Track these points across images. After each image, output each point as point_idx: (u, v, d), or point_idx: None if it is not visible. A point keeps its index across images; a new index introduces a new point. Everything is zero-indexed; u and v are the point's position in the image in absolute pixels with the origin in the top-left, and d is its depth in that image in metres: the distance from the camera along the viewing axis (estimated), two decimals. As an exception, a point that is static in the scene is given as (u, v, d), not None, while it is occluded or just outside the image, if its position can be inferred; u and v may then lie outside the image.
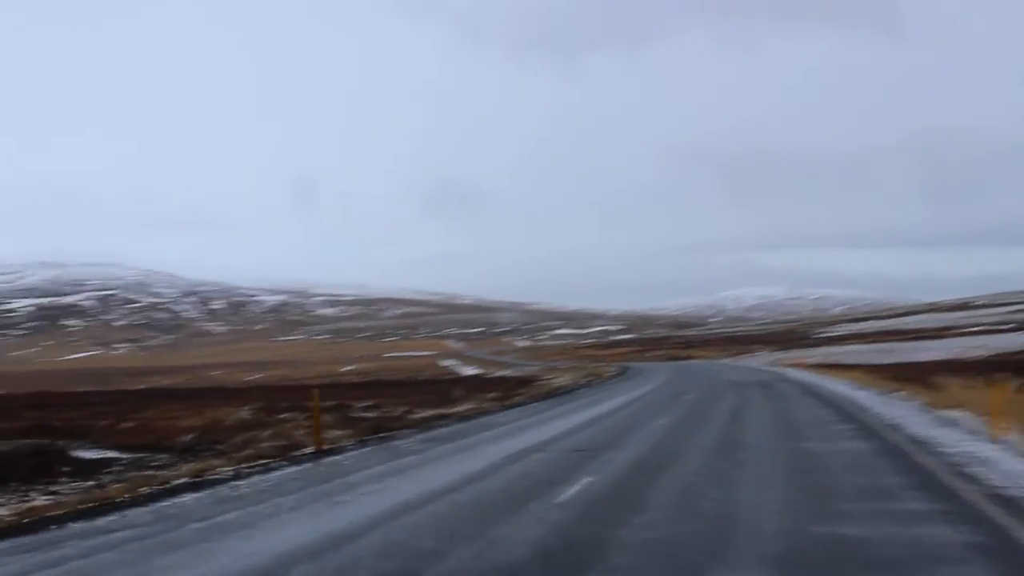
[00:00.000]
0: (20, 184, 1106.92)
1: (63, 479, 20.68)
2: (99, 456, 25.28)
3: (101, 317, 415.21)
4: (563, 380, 71.16)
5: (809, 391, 49.90)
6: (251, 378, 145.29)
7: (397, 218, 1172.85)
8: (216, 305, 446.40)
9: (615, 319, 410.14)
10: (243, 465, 22.09)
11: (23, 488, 19.52)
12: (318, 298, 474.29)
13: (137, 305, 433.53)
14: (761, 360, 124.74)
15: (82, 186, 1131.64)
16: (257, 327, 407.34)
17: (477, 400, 46.12)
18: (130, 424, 32.75)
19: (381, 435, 28.85)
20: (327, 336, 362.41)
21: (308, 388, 77.45)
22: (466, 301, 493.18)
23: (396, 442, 27.12)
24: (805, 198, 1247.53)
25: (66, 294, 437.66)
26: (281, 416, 34.38)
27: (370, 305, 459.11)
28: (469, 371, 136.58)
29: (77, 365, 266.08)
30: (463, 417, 35.62)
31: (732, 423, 30.69)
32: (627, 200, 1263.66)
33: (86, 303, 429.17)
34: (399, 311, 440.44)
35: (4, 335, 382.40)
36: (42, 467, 21.94)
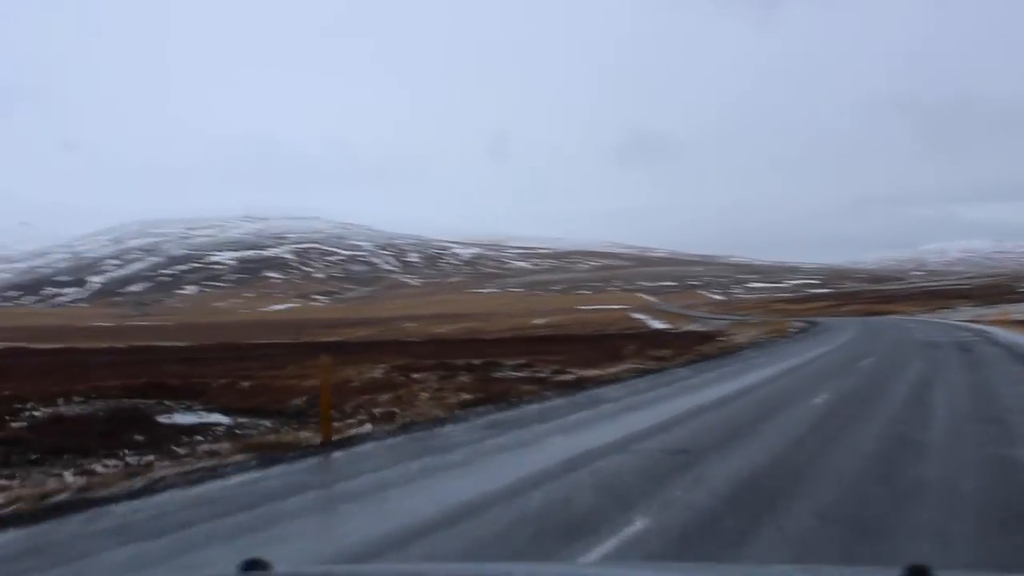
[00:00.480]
0: (226, 140, 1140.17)
1: (127, 451, 18.19)
2: (193, 422, 22.83)
3: (301, 269, 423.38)
4: (742, 337, 67.00)
5: (1019, 356, 41.11)
6: (441, 330, 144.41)
7: (592, 171, 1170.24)
8: (412, 257, 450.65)
9: (811, 272, 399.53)
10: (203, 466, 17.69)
11: (76, 460, 17.14)
12: (513, 250, 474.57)
13: (335, 258, 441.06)
14: (962, 316, 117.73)
15: (285, 142, 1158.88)
16: (452, 279, 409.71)
17: (641, 358, 42.49)
18: (249, 383, 30.33)
19: (422, 426, 21.88)
20: (521, 289, 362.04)
21: (492, 342, 75.47)
22: (660, 254, 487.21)
23: (448, 427, 21.24)
24: (1011, 148, 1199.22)
25: (268, 247, 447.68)
26: (417, 375, 31.62)
27: (564, 258, 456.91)
28: (657, 325, 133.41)
29: (276, 317, 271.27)
30: (594, 382, 30.93)
31: (912, 405, 23.00)
32: (824, 151, 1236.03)
33: (287, 256, 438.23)
34: (593, 264, 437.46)
35: (210, 286, 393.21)
36: (114, 435, 19.58)
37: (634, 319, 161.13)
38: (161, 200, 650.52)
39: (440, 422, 22.47)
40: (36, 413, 23.57)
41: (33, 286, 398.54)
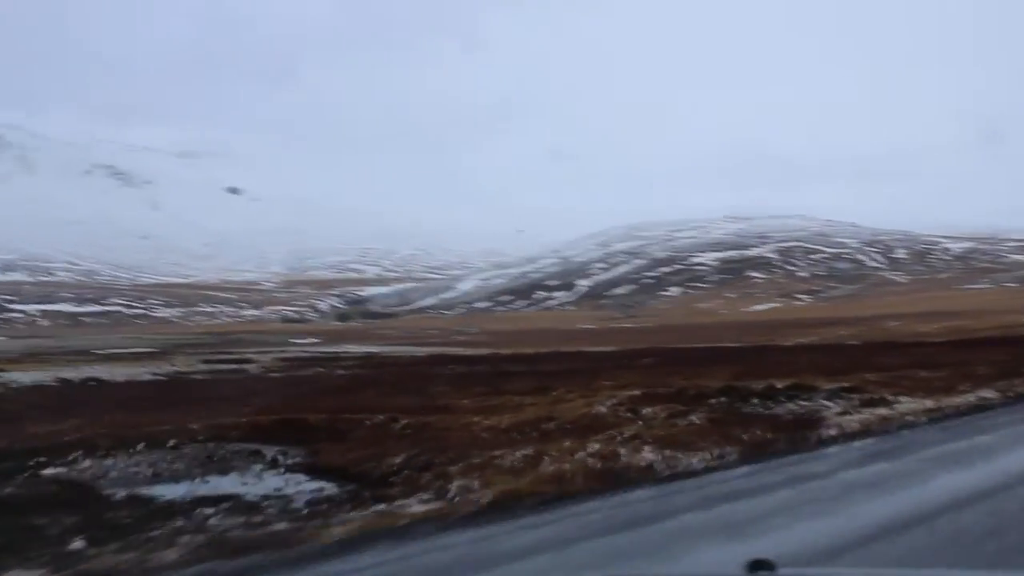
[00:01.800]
0: (709, 142, 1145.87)
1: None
2: (218, 492, 15.87)
3: (784, 268, 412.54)
4: None
5: None
6: (926, 329, 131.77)
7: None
8: (899, 254, 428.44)
9: None
10: None
11: None
12: (1010, 244, 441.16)
13: (819, 256, 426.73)
14: None
15: (767, 141, 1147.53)
16: (942, 275, 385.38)
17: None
18: (409, 420, 22.64)
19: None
20: (1017, 284, 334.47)
21: (900, 346, 63.77)
22: None
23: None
24: None
25: (750, 247, 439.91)
26: (648, 410, 22.95)
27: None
28: None
29: (755, 317, 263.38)
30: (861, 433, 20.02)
31: None
32: None
33: (770, 255, 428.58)
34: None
35: (692, 287, 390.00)
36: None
37: None
38: (646, 204, 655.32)
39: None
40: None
41: (525, 290, 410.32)
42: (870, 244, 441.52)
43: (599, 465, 16.17)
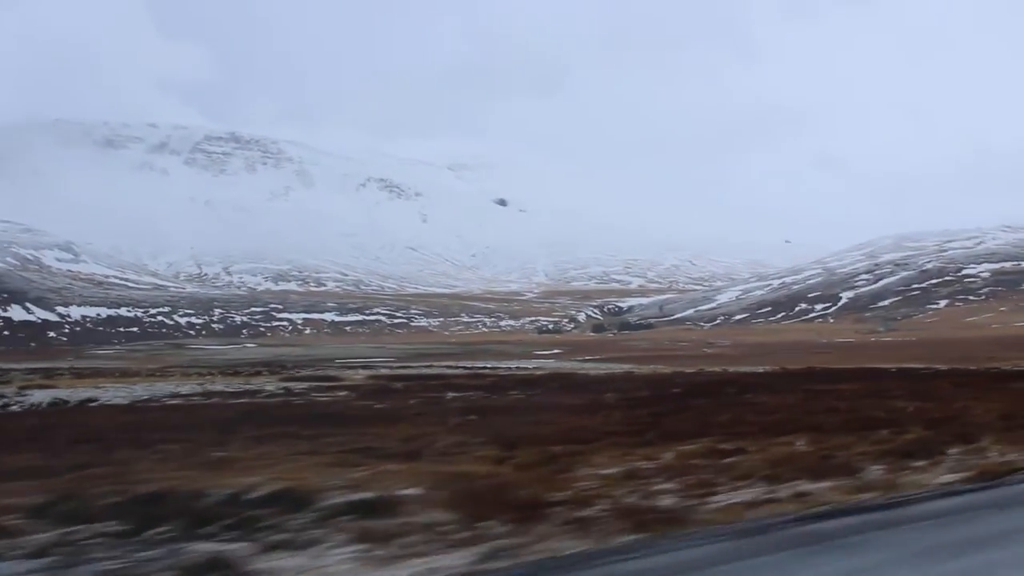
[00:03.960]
0: (989, 145, 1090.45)
1: None
2: None
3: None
4: None
5: None
6: None
7: None
8: None
9: None
10: None
11: None
12: None
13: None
14: None
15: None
16: None
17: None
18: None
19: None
20: None
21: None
22: None
23: None
24: None
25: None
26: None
27: None
28: None
29: (1020, 332, 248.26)
30: None
31: None
32: None
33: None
34: None
35: (961, 300, 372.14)
36: None
37: None
38: (917, 212, 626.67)
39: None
40: None
41: (786, 302, 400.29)
42: None
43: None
